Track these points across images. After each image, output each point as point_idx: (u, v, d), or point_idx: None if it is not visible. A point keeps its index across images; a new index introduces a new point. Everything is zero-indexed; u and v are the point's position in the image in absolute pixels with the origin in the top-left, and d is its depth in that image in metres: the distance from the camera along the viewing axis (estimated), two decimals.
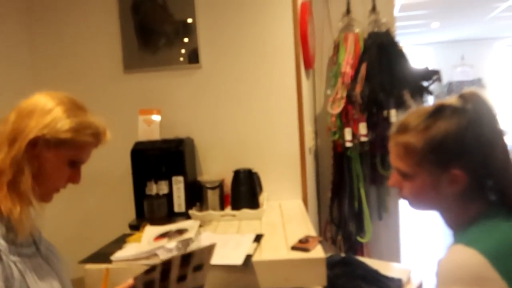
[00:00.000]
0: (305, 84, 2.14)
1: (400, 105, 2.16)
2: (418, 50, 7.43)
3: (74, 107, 0.91)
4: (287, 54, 1.93)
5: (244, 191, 1.76)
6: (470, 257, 0.76)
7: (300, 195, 1.97)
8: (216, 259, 1.27)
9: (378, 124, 2.21)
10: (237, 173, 1.78)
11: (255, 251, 1.30)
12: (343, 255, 1.81)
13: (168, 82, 1.99)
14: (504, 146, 0.83)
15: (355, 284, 1.54)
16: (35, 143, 0.86)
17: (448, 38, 7.27)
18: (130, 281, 0.87)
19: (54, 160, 0.89)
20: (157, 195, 1.74)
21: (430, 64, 2.29)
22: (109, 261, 1.32)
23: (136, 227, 1.64)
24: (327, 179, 2.47)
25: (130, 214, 1.77)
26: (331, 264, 1.64)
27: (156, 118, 1.86)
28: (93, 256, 1.39)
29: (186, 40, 1.97)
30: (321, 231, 2.46)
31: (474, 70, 7.51)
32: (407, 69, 2.22)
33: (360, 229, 2.35)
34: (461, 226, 0.86)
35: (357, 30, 2.36)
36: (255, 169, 1.83)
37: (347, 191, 2.34)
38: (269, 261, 1.26)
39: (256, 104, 1.97)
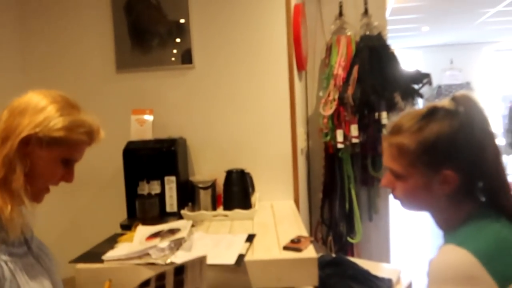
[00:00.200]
0: (298, 85, 2.15)
1: (391, 107, 2.19)
2: (407, 54, 7.52)
3: (67, 106, 0.91)
4: (280, 56, 1.94)
5: (237, 191, 1.76)
6: (461, 257, 0.78)
7: (291, 196, 1.98)
8: (209, 259, 1.27)
9: (369, 126, 2.23)
10: (229, 173, 1.79)
11: (247, 251, 1.31)
12: (333, 255, 1.83)
13: (161, 82, 1.99)
14: (494, 148, 0.85)
15: (346, 284, 1.55)
16: (27, 142, 0.85)
17: (437, 42, 7.37)
18: None
19: (46, 159, 0.88)
20: (149, 194, 1.73)
21: (420, 68, 2.32)
22: (101, 261, 1.31)
23: (127, 226, 1.63)
24: (319, 180, 2.49)
25: (122, 213, 1.76)
26: (322, 264, 1.65)
27: (149, 118, 1.86)
28: (84, 255, 1.38)
29: (179, 40, 1.97)
30: (312, 231, 2.47)
31: (463, 74, 7.63)
32: (398, 72, 2.25)
33: (351, 229, 2.37)
34: (452, 227, 0.88)
35: (349, 33, 2.39)
36: (247, 169, 1.84)
37: (338, 192, 2.35)
38: (262, 261, 1.27)
39: (248, 104, 1.97)
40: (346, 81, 2.25)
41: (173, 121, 1.98)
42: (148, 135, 1.83)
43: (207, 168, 1.98)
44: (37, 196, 0.90)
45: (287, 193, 1.97)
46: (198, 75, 1.98)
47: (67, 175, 0.93)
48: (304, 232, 1.48)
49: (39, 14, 1.99)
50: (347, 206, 2.36)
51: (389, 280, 1.60)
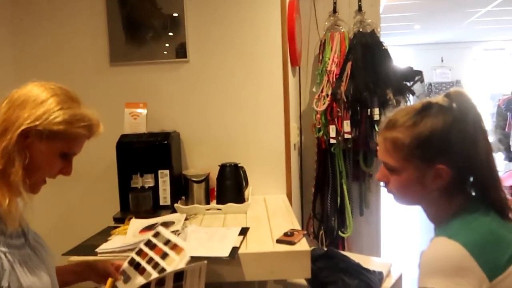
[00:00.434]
0: (292, 81, 2.16)
1: (384, 104, 2.21)
2: (398, 51, 7.57)
3: (68, 99, 0.90)
4: (275, 51, 1.95)
5: (230, 185, 1.78)
6: (452, 249, 0.80)
7: (284, 190, 2.00)
8: (203, 251, 1.28)
9: (362, 122, 2.25)
10: (223, 167, 1.80)
11: (241, 244, 1.32)
12: (325, 249, 1.85)
13: (155, 76, 1.99)
14: (486, 144, 0.87)
15: (337, 277, 1.57)
16: (26, 134, 0.85)
17: (428, 40, 7.44)
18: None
19: (45, 152, 0.88)
20: (143, 188, 1.73)
21: (411, 65, 2.35)
22: (94, 253, 1.31)
23: (120, 220, 1.64)
24: (311, 175, 2.51)
25: (115, 207, 1.76)
26: (314, 257, 1.67)
27: (143, 111, 1.85)
28: (77, 248, 1.38)
29: (174, 34, 1.96)
30: (304, 225, 2.49)
31: (453, 72, 7.71)
32: (391, 69, 2.27)
33: (342, 224, 2.40)
34: (443, 220, 0.90)
35: (343, 30, 2.40)
36: (241, 163, 1.85)
37: (330, 187, 2.38)
38: (255, 254, 1.28)
39: (242, 99, 1.98)
40: (339, 77, 2.27)
41: (167, 115, 1.98)
42: (141, 129, 1.83)
43: (201, 162, 1.98)
44: (34, 188, 0.90)
45: (279, 187, 1.99)
46: (193, 69, 1.98)
47: (65, 168, 0.93)
48: (297, 225, 1.50)
49: (32, 7, 1.97)
50: (338, 200, 2.38)
51: (380, 273, 1.63)
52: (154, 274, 1.09)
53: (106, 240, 1.42)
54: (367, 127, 2.25)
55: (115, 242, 1.39)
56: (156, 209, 1.73)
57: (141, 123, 1.84)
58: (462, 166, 0.87)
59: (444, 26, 6.08)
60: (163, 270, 1.10)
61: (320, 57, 2.41)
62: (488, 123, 5.61)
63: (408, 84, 2.29)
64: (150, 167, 1.75)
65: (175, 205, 1.72)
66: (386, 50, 2.30)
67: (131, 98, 1.91)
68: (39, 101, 0.87)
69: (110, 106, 1.92)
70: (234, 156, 1.92)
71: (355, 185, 2.46)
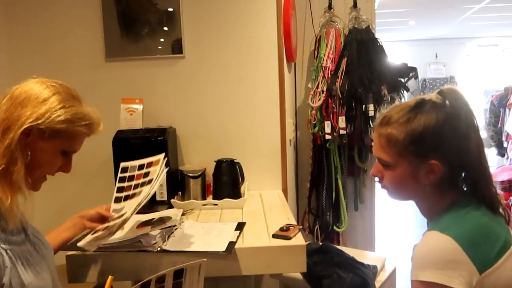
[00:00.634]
0: (287, 77, 2.17)
1: (378, 100, 2.23)
2: (393, 47, 7.60)
3: (69, 97, 0.91)
4: (271, 47, 1.95)
5: (226, 180, 1.79)
6: (444, 242, 0.82)
7: (280, 186, 2.01)
8: (200, 246, 1.29)
9: (357, 118, 2.27)
10: (219, 163, 1.81)
11: (237, 239, 1.33)
12: (320, 243, 1.87)
13: (151, 71, 1.99)
14: (478, 140, 0.89)
15: (332, 271, 1.59)
16: (28, 133, 0.85)
17: (423, 36, 7.46)
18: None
19: (47, 150, 0.88)
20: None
21: (405, 61, 2.37)
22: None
23: None
24: (306, 171, 2.53)
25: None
26: (309, 252, 1.69)
27: (139, 107, 1.85)
28: (74, 243, 1.38)
29: (169, 30, 1.96)
30: (299, 221, 2.52)
31: (447, 68, 7.76)
32: (386, 65, 2.29)
33: (337, 219, 2.42)
34: (435, 214, 0.92)
35: (338, 26, 2.41)
36: (237, 159, 1.86)
37: (325, 182, 2.40)
38: (252, 248, 1.29)
39: (238, 95, 1.99)
40: (335, 73, 2.28)
41: (163, 110, 1.98)
42: (138, 124, 1.84)
43: (197, 157, 1.99)
44: (35, 185, 0.91)
45: (275, 183, 2.00)
46: (188, 65, 1.98)
47: (65, 166, 0.94)
48: (292, 220, 1.52)
49: (27, 2, 1.95)
50: (333, 196, 2.41)
51: (374, 267, 1.66)
52: (145, 190, 1.19)
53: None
54: (362, 123, 2.27)
55: (112, 237, 1.39)
56: (152, 204, 1.73)
57: (137, 118, 1.85)
58: (454, 162, 0.89)
59: (439, 22, 6.11)
60: (150, 181, 1.24)
61: (316, 53, 2.42)
62: (481, 118, 5.66)
63: (402, 80, 2.31)
64: None
65: (172, 200, 1.73)
66: (381, 47, 2.32)
67: (127, 93, 1.91)
68: (41, 99, 0.87)
69: (106, 102, 1.91)
70: (230, 152, 1.93)
71: (350, 181, 2.48)
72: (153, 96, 1.96)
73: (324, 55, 2.33)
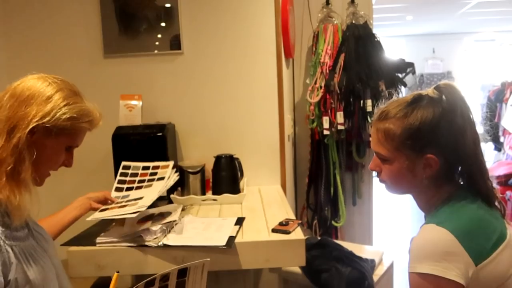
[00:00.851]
0: (285, 72, 2.18)
1: (376, 95, 2.24)
2: (391, 42, 7.60)
3: (72, 93, 0.92)
4: (269, 43, 1.96)
5: (225, 176, 1.80)
6: (440, 235, 0.83)
7: (279, 181, 2.03)
8: (200, 241, 1.31)
9: (355, 114, 2.28)
10: (218, 159, 1.82)
11: (237, 233, 1.35)
12: (319, 238, 1.89)
13: (149, 67, 1.99)
14: (474, 134, 0.90)
15: (331, 264, 1.61)
16: (33, 131, 0.86)
17: (420, 31, 7.47)
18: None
19: (52, 147, 0.90)
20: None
21: (403, 56, 2.38)
22: (93, 244, 1.33)
23: None
24: (304, 166, 2.54)
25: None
26: (308, 246, 1.70)
27: (138, 103, 1.86)
28: (76, 238, 1.40)
29: (168, 26, 1.97)
30: (298, 215, 2.53)
31: (444, 63, 7.78)
32: (383, 61, 2.30)
33: (335, 213, 2.44)
34: (432, 208, 0.94)
35: (336, 22, 2.42)
36: (236, 155, 1.87)
37: (324, 177, 2.42)
38: (251, 243, 1.31)
39: (237, 91, 1.99)
40: (333, 69, 2.29)
41: (162, 106, 1.99)
42: (137, 121, 1.84)
43: (196, 153, 2.00)
44: (40, 181, 0.92)
45: (274, 178, 2.02)
46: (187, 61, 1.99)
47: (68, 160, 0.96)
48: (291, 215, 1.53)
49: None
50: (332, 191, 2.42)
51: (372, 261, 1.68)
52: (158, 185, 1.39)
53: (104, 231, 1.44)
54: (360, 118, 2.29)
55: (113, 232, 1.41)
56: None
57: (136, 115, 1.85)
58: (451, 156, 0.90)
59: (436, 17, 6.12)
60: (161, 178, 1.43)
61: (314, 49, 2.42)
62: (478, 113, 5.68)
63: (400, 75, 2.32)
64: (146, 159, 1.75)
65: (171, 196, 1.74)
66: (378, 42, 2.33)
67: (126, 90, 1.92)
68: (45, 97, 0.87)
69: (105, 98, 1.90)
70: (229, 148, 1.94)
71: (348, 176, 2.50)
72: (152, 92, 1.97)
73: (322, 51, 2.33)
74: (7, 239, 0.83)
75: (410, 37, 7.74)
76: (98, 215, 1.32)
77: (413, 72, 2.32)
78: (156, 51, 1.98)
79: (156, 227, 1.33)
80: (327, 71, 2.30)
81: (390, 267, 1.80)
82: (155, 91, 1.98)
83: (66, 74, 2.05)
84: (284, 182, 2.03)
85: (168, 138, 1.80)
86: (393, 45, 7.58)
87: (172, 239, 1.31)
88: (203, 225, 1.45)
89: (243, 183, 1.88)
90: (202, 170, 1.81)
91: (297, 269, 1.69)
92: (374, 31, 2.38)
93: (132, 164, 1.53)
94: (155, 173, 1.49)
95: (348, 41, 2.30)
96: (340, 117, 2.26)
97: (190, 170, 1.78)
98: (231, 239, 1.30)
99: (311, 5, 2.49)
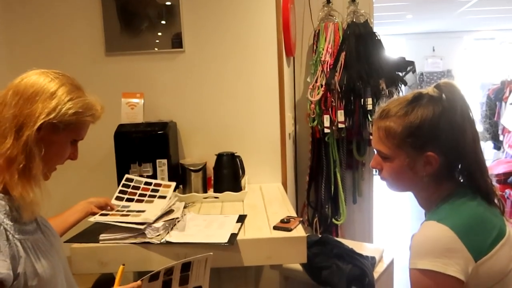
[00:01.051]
0: (286, 71, 2.19)
1: (377, 94, 2.25)
2: (391, 41, 7.60)
3: (74, 88, 0.93)
4: (270, 41, 1.97)
5: (227, 174, 1.81)
6: (441, 232, 0.84)
7: (280, 179, 2.04)
8: (202, 238, 1.32)
9: (355, 112, 2.29)
10: (220, 157, 1.83)
11: (239, 231, 1.36)
12: (319, 236, 1.90)
13: (151, 65, 2.00)
14: (474, 132, 0.91)
15: (332, 262, 1.62)
16: (40, 128, 0.87)
17: (420, 30, 7.47)
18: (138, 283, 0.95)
19: (59, 142, 0.91)
20: (141, 177, 1.76)
21: (403, 55, 2.39)
22: (96, 241, 1.34)
23: None
24: (305, 164, 2.55)
25: (113, 195, 1.78)
26: (309, 243, 1.71)
27: (139, 101, 1.87)
28: (79, 235, 1.41)
29: (169, 24, 1.97)
30: (299, 213, 2.55)
31: (444, 62, 7.78)
32: (384, 59, 2.30)
33: (336, 211, 2.45)
34: (433, 205, 0.95)
35: (336, 20, 2.42)
36: (237, 153, 1.88)
37: (324, 175, 2.43)
38: (253, 240, 1.32)
39: (238, 89, 2.00)
40: (333, 67, 2.30)
41: (164, 104, 2.00)
42: (139, 119, 1.85)
43: (198, 151, 2.01)
44: (47, 175, 0.94)
45: (275, 176, 2.03)
46: (188, 59, 1.99)
47: (73, 153, 0.97)
48: (292, 213, 1.54)
49: None
50: (332, 189, 2.44)
51: (373, 258, 1.69)
52: (160, 203, 1.45)
53: (107, 228, 1.45)
54: (360, 117, 2.30)
55: (116, 229, 1.42)
56: None
57: (138, 113, 1.86)
58: (451, 154, 0.91)
59: (436, 16, 6.12)
60: (162, 197, 1.49)
61: (314, 48, 2.43)
62: (478, 111, 5.69)
63: (400, 74, 2.33)
64: (148, 157, 1.77)
65: (173, 193, 1.75)
66: (379, 41, 2.34)
67: (127, 88, 1.92)
68: (49, 93, 0.88)
69: (107, 96, 1.88)
70: (230, 145, 1.95)
71: (348, 174, 2.51)
72: (154, 90, 1.98)
73: (323, 49, 2.34)
74: (16, 233, 0.84)
75: (410, 36, 7.74)
76: (100, 218, 1.35)
77: (414, 71, 2.33)
78: (157, 49, 1.99)
79: (158, 224, 1.34)
80: (328, 69, 2.31)
81: (390, 265, 1.81)
82: (156, 89, 1.99)
83: (68, 72, 2.05)
84: (285, 180, 2.04)
85: (170, 136, 1.81)
86: (393, 44, 7.58)
87: (174, 236, 1.32)
88: (205, 222, 1.46)
89: (244, 181, 1.89)
90: (203, 168, 1.82)
91: (298, 266, 1.70)
92: (374, 29, 2.39)
93: (135, 177, 1.61)
94: (157, 190, 1.56)
95: (349, 39, 2.31)
96: (340, 115, 2.27)
97: (191, 168, 1.80)
98: (233, 236, 1.31)
99: (312, 3, 2.49)
